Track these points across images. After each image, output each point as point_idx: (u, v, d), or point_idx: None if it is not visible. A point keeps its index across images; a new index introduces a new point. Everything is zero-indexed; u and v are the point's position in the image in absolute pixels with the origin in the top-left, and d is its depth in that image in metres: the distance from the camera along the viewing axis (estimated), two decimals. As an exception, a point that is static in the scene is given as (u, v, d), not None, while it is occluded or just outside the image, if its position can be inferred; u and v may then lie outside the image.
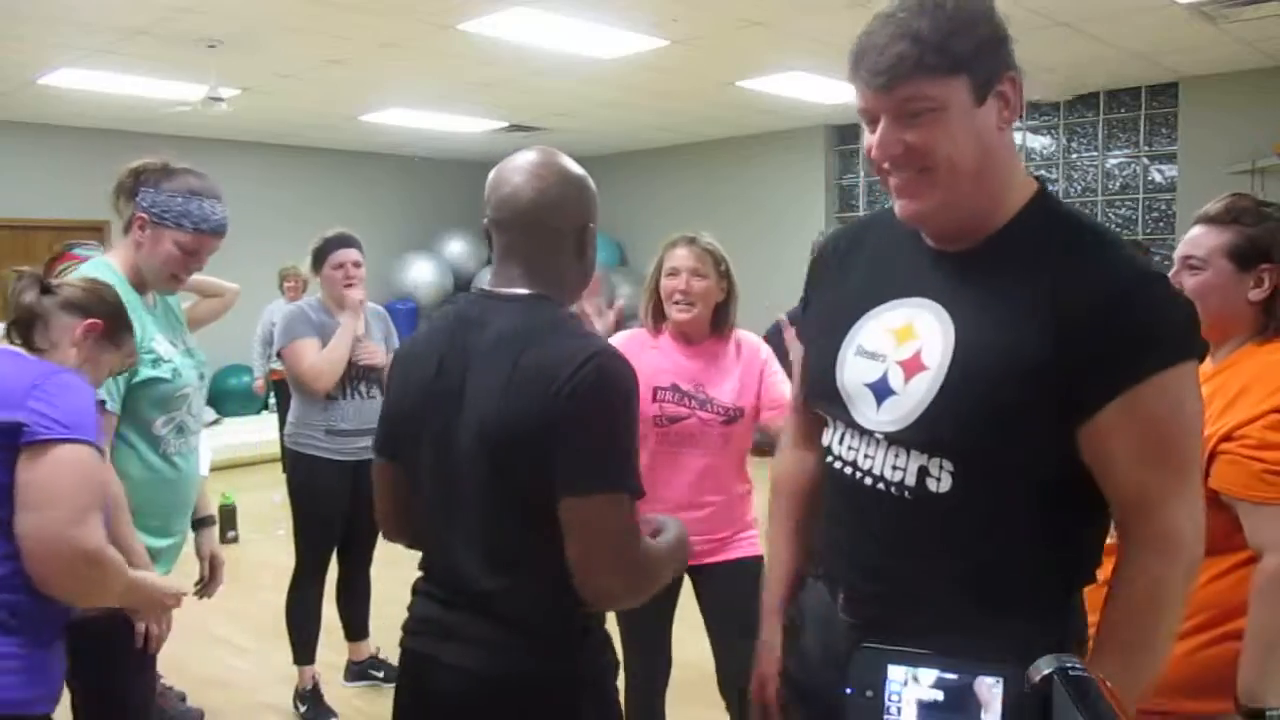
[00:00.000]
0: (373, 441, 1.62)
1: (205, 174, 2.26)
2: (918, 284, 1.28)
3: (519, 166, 1.48)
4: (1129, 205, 7.71)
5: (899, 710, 0.72)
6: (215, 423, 8.31)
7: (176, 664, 3.67)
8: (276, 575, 5.19)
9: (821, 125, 8.88)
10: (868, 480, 1.28)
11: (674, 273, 2.55)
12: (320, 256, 3.53)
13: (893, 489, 1.24)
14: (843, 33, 5.30)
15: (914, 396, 1.22)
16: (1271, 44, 6.18)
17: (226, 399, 8.87)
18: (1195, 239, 1.77)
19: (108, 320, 1.85)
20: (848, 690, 0.72)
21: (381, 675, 3.78)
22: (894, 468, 1.24)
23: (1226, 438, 1.62)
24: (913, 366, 1.22)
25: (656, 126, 8.86)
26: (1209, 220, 1.76)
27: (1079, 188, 7.98)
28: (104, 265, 2.18)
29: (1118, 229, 7.69)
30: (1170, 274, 1.76)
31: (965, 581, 1.22)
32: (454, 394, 1.42)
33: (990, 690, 0.71)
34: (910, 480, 1.23)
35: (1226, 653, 1.60)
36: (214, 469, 7.56)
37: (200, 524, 2.49)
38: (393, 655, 3.03)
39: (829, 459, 1.36)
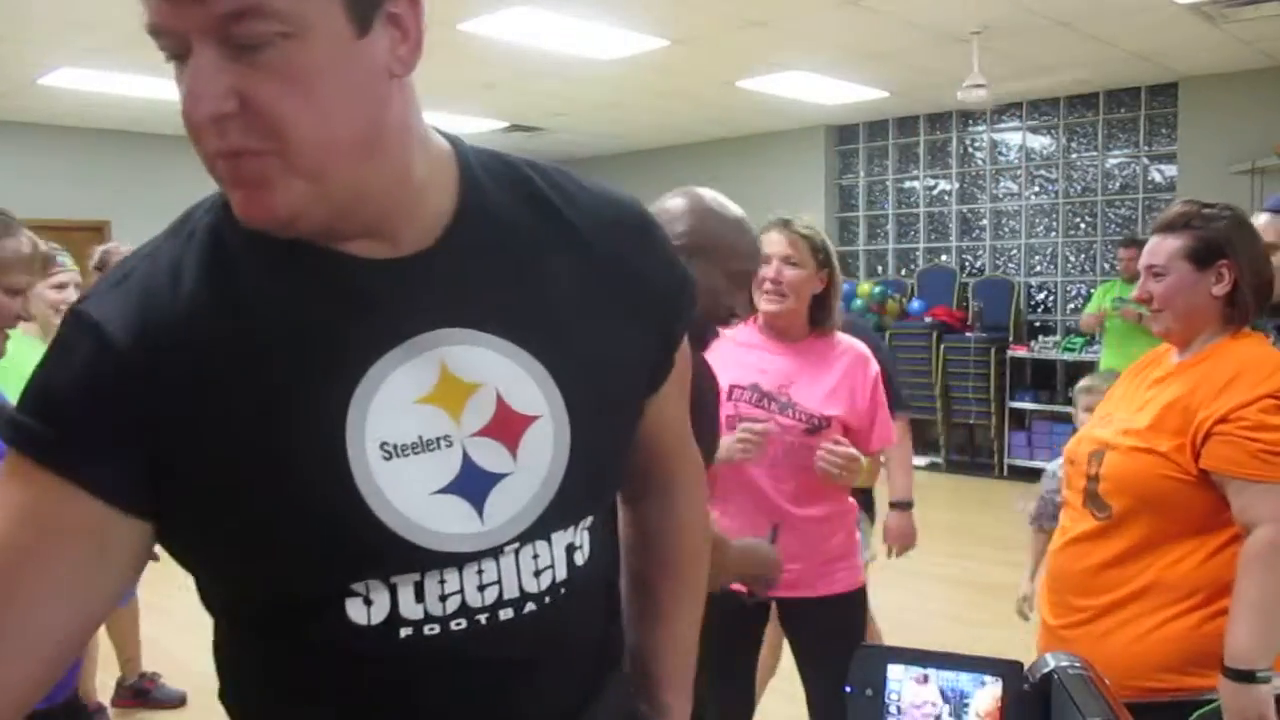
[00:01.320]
0: None
1: None
2: (394, 318, 0.79)
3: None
4: (1129, 205, 7.72)
5: (899, 709, 0.72)
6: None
7: (175, 661, 3.68)
8: (276, 575, 5.19)
9: (821, 125, 8.88)
10: (502, 615, 0.83)
11: (765, 259, 2.22)
12: None
13: (545, 599, 0.85)
14: (842, 33, 5.30)
15: (541, 460, 0.83)
16: (1271, 44, 6.18)
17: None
18: (1154, 248, 1.89)
19: None
20: (848, 689, 0.73)
21: None
22: (536, 573, 0.85)
23: (1223, 419, 1.71)
24: (509, 425, 0.82)
25: (656, 126, 8.87)
26: (1164, 229, 1.88)
27: (1079, 188, 7.98)
28: None
29: (1117, 229, 7.70)
30: (1138, 285, 1.90)
31: (600, 640, 0.97)
32: None
33: (990, 688, 0.71)
34: (561, 572, 0.87)
35: (1223, 627, 1.68)
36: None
37: None
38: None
39: (399, 636, 0.80)
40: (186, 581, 0.85)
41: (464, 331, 0.80)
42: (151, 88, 6.72)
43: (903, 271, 8.87)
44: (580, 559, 0.89)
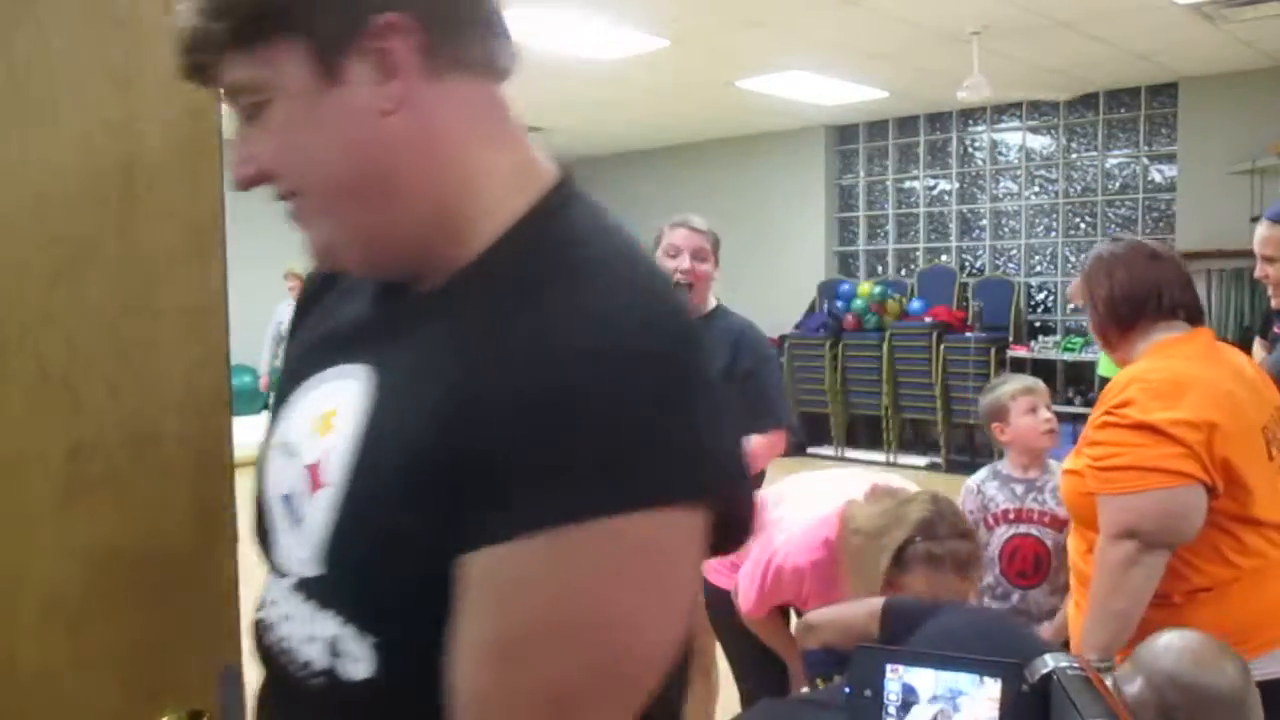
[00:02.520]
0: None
1: None
2: (356, 340, 0.84)
3: None
4: (1129, 205, 7.71)
5: (897, 709, 0.72)
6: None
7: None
8: (276, 575, 5.17)
9: (821, 125, 8.88)
10: (288, 663, 0.78)
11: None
12: None
13: (304, 672, 0.77)
14: (842, 33, 5.30)
15: (316, 523, 0.77)
16: (1271, 44, 6.18)
17: (226, 399, 8.87)
18: None
19: None
20: (847, 690, 0.72)
21: None
22: (310, 638, 0.76)
23: (1083, 436, 1.84)
24: (316, 475, 0.78)
25: (656, 126, 8.87)
26: None
27: (1079, 188, 7.98)
28: None
29: (1117, 229, 7.69)
30: None
31: None
32: None
33: (989, 689, 0.71)
34: (321, 659, 0.75)
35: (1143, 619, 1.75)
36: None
37: None
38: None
39: (256, 617, 0.84)
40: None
41: (365, 372, 0.79)
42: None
43: (903, 271, 8.87)
44: (350, 670, 0.73)
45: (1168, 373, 1.76)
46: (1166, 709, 1.34)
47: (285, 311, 7.02)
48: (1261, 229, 2.39)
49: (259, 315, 7.15)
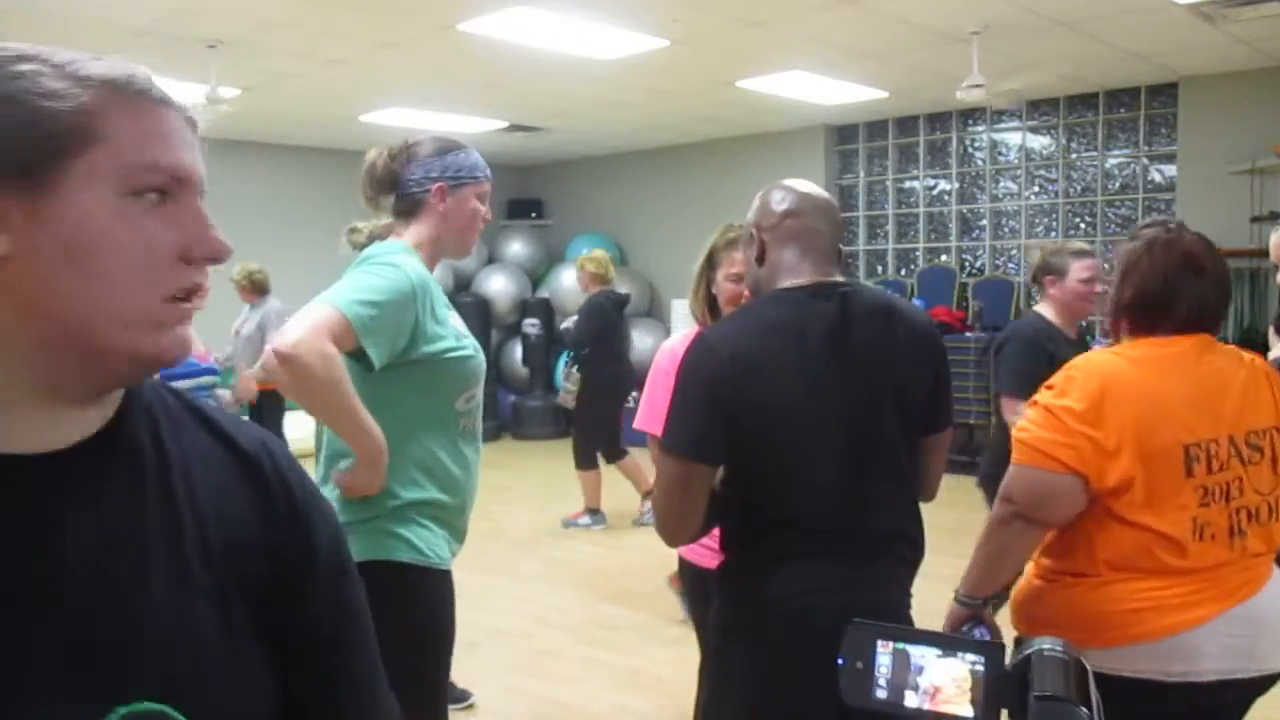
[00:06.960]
0: (689, 449, 1.65)
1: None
2: None
3: (806, 186, 1.82)
4: (1129, 205, 7.73)
5: (886, 681, 0.74)
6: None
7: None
8: (277, 573, 5.19)
9: (821, 125, 8.90)
10: None
11: (737, 279, 2.39)
12: None
13: None
14: (842, 33, 5.28)
15: None
16: (1271, 44, 6.19)
17: (227, 399, 8.90)
18: None
19: None
20: (839, 660, 0.75)
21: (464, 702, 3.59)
22: None
23: None
24: None
25: (656, 126, 8.89)
26: None
27: (1079, 188, 7.99)
28: (403, 247, 2.10)
29: (1117, 229, 7.71)
30: None
31: None
32: (850, 367, 1.65)
33: (972, 666, 0.73)
34: None
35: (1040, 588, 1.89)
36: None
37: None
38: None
39: None
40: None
41: None
42: (153, 88, 6.74)
43: (903, 271, 8.88)
44: None
45: (1099, 366, 1.80)
46: None
47: (244, 313, 7.01)
48: (1274, 237, 2.49)
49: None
